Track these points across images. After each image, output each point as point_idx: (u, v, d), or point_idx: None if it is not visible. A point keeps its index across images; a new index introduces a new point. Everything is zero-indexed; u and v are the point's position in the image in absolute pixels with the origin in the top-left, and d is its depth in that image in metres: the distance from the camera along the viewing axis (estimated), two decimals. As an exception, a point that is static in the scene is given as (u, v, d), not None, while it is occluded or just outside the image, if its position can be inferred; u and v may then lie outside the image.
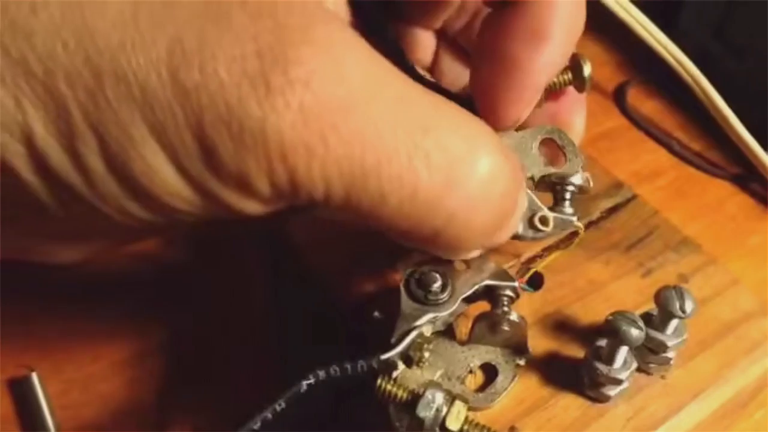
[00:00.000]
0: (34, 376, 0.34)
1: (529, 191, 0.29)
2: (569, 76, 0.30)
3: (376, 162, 0.21)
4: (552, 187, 0.31)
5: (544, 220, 0.29)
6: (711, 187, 0.47)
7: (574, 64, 0.30)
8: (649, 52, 0.48)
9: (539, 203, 0.29)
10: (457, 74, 0.34)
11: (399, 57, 0.32)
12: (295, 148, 0.20)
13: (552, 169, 0.30)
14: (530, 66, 0.27)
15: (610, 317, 0.27)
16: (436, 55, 0.35)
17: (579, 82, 0.30)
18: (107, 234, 0.25)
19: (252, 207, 0.22)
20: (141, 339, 0.37)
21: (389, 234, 0.24)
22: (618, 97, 0.51)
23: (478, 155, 0.23)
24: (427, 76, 0.32)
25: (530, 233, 0.29)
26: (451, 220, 0.23)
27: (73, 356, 0.36)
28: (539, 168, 0.30)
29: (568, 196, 0.30)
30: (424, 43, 0.34)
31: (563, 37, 0.27)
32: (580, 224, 0.30)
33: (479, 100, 0.28)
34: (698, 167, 0.48)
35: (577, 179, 0.31)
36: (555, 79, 0.30)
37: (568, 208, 0.30)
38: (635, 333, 0.26)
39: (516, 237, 0.29)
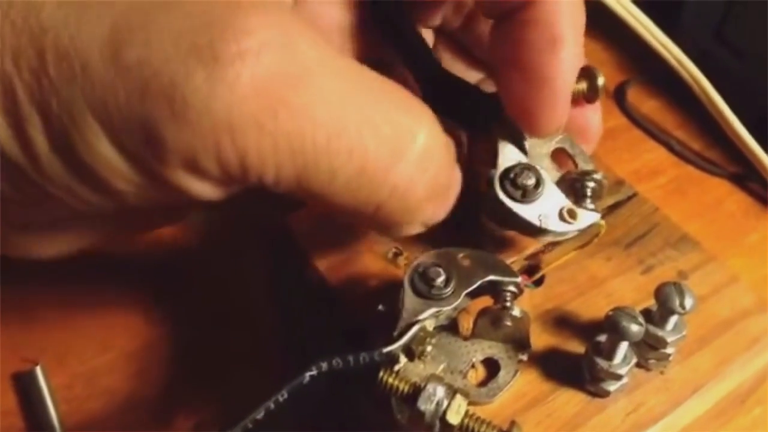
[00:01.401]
0: (38, 370, 0.35)
1: (555, 186, 0.30)
2: (584, 85, 0.31)
3: (326, 137, 0.21)
4: (572, 184, 0.31)
5: (572, 213, 0.29)
6: (710, 186, 0.47)
7: (589, 74, 0.31)
8: (649, 51, 0.49)
9: (564, 197, 0.30)
10: (458, 72, 0.35)
11: (426, 54, 0.32)
12: (244, 125, 0.20)
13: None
14: (555, 71, 0.28)
15: (611, 313, 0.27)
16: (436, 53, 0.35)
17: (593, 92, 0.31)
18: (73, 224, 0.25)
19: (203, 189, 0.22)
20: (145, 333, 0.37)
21: (332, 212, 0.24)
22: (618, 96, 0.51)
23: (419, 128, 0.23)
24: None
25: (560, 226, 0.29)
26: (393, 192, 0.23)
27: (77, 350, 0.37)
28: (553, 174, 0.31)
29: (588, 192, 0.31)
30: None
31: (575, 35, 0.28)
32: (602, 221, 0.30)
33: (518, 117, 0.29)
34: (697, 166, 0.48)
35: (597, 174, 0.31)
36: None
37: (589, 205, 0.31)
38: (635, 328, 0.26)
39: (542, 232, 0.29)
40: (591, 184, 0.31)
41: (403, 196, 0.23)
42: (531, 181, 0.29)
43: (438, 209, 0.26)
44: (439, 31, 0.35)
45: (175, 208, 0.26)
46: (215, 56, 0.19)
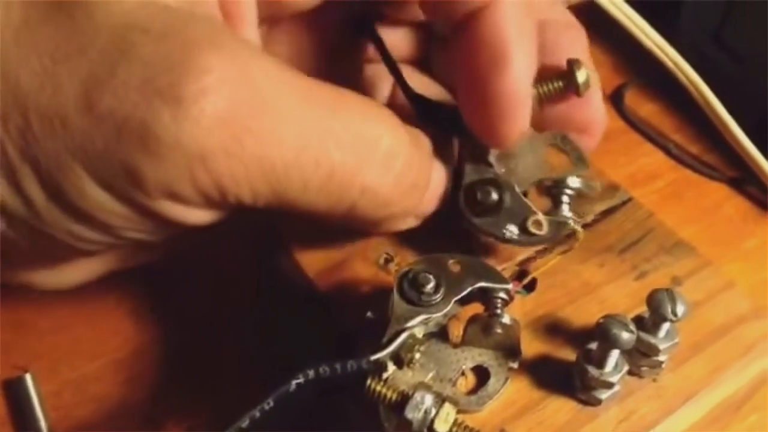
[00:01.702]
0: (28, 377, 0.35)
1: (522, 196, 0.30)
2: (560, 83, 0.30)
3: (293, 153, 0.23)
4: (549, 191, 0.31)
5: (537, 224, 0.30)
6: (708, 190, 0.47)
7: (567, 71, 0.30)
8: (647, 54, 0.48)
9: (533, 207, 0.30)
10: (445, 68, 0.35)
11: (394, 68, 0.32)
12: (214, 153, 0.22)
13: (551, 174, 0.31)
14: (505, 89, 0.28)
15: (601, 320, 0.27)
16: (427, 50, 0.35)
17: (573, 87, 0.30)
18: (80, 257, 0.27)
19: (192, 215, 0.24)
20: (134, 340, 0.37)
21: (310, 217, 0.26)
22: (615, 99, 0.51)
23: (379, 132, 0.25)
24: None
25: (524, 238, 0.30)
26: (364, 192, 0.25)
27: (67, 357, 0.36)
28: (544, 173, 0.30)
29: (565, 199, 0.31)
30: (413, 39, 0.34)
31: (522, 47, 0.28)
32: (576, 227, 0.30)
33: (477, 133, 0.29)
34: (695, 170, 0.47)
35: (573, 182, 0.31)
36: (545, 87, 0.30)
37: (565, 212, 0.31)
38: (626, 336, 0.26)
39: (510, 241, 0.30)
40: (568, 191, 0.31)
41: (374, 194, 0.26)
42: (493, 197, 0.30)
43: (417, 201, 0.28)
44: (428, 28, 0.35)
45: (178, 236, 0.27)
46: (178, 97, 0.21)
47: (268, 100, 0.23)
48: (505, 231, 0.30)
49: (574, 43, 0.32)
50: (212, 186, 0.23)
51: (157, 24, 0.22)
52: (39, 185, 0.22)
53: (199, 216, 0.24)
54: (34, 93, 0.21)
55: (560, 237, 0.31)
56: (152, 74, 0.21)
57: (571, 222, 0.30)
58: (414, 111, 0.32)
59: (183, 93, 0.21)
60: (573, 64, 0.30)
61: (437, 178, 0.29)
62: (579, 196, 0.32)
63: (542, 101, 0.30)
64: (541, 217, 0.30)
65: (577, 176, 0.31)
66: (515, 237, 0.30)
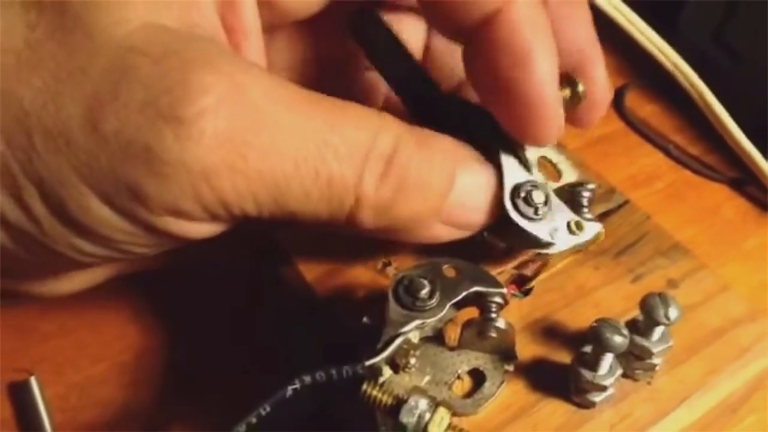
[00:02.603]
0: (33, 380, 0.35)
1: (559, 200, 0.30)
2: (567, 92, 0.30)
3: (293, 165, 0.24)
4: (569, 196, 0.31)
5: (579, 225, 0.30)
6: (708, 191, 0.47)
7: (570, 82, 0.30)
8: (648, 56, 0.49)
9: (569, 210, 0.30)
10: (449, 61, 0.35)
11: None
12: (216, 170, 0.23)
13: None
14: (534, 86, 0.27)
15: (594, 324, 0.27)
16: (427, 45, 0.35)
17: (576, 99, 0.30)
18: (79, 268, 0.28)
19: (195, 230, 0.25)
20: (138, 343, 0.37)
21: (316, 227, 0.27)
22: (616, 100, 0.51)
23: (379, 140, 0.26)
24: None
25: (571, 240, 0.30)
26: (361, 198, 0.26)
27: (72, 360, 0.37)
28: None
29: (585, 202, 0.31)
30: (414, 33, 0.35)
31: (543, 42, 0.27)
32: (602, 228, 0.31)
33: (516, 134, 0.29)
34: (695, 171, 0.48)
35: (590, 185, 0.31)
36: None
37: (587, 214, 0.31)
38: (618, 340, 0.26)
39: (547, 246, 0.29)
40: (586, 194, 0.31)
41: (375, 202, 0.26)
42: (541, 199, 0.29)
43: (430, 206, 0.27)
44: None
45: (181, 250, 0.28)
46: (179, 118, 0.22)
47: (266, 116, 0.24)
48: (551, 234, 0.29)
49: (578, 23, 0.32)
50: (216, 202, 0.24)
51: (156, 46, 0.23)
52: (42, 201, 0.23)
53: (202, 230, 0.25)
54: (37, 111, 0.22)
55: (592, 240, 0.30)
56: (153, 96, 0.22)
57: (599, 225, 0.30)
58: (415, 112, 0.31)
59: (184, 114, 0.22)
60: (571, 77, 0.30)
61: (469, 182, 0.28)
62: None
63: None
64: (579, 218, 0.30)
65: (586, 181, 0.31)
66: (560, 241, 0.29)
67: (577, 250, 0.32)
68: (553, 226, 0.29)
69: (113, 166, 0.22)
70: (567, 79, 0.30)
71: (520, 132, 0.29)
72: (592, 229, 0.30)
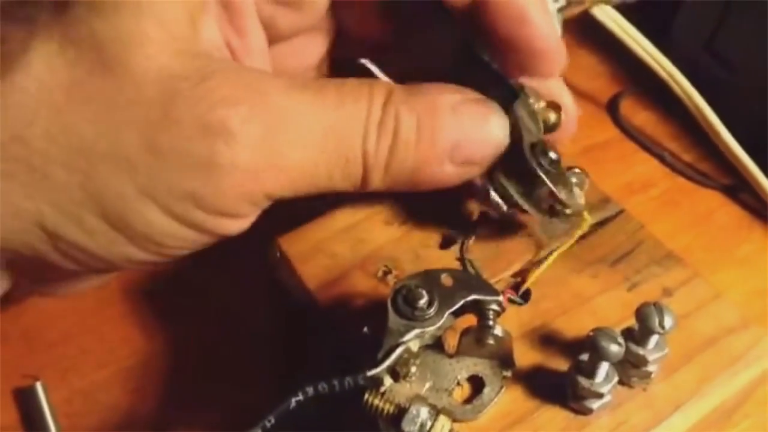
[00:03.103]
0: (38, 386, 0.36)
1: (548, 181, 0.31)
2: (553, 116, 0.32)
3: (320, 150, 0.27)
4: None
5: (581, 185, 0.33)
6: (702, 198, 0.48)
7: (555, 106, 0.32)
8: (642, 64, 0.49)
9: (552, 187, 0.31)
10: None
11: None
12: (262, 168, 0.26)
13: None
14: (537, 38, 0.31)
15: (591, 333, 0.27)
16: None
17: (558, 121, 0.32)
18: (108, 271, 0.30)
19: (238, 226, 0.28)
20: (143, 349, 0.38)
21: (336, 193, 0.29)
22: (611, 108, 0.52)
23: (373, 102, 0.28)
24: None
25: (579, 198, 0.32)
26: (366, 156, 0.29)
27: (77, 365, 0.37)
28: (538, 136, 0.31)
29: (575, 181, 0.33)
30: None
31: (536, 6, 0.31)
32: (586, 213, 0.33)
33: (527, 72, 0.32)
34: (689, 178, 0.48)
35: (577, 169, 0.33)
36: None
37: (577, 194, 0.33)
38: (614, 349, 0.27)
39: (564, 205, 0.31)
40: (574, 180, 0.33)
41: (377, 161, 0.29)
42: (556, 156, 0.31)
43: (430, 148, 0.29)
44: None
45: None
46: (228, 127, 0.25)
47: (289, 113, 0.27)
48: (559, 190, 0.31)
49: None
50: (262, 196, 0.27)
51: (191, 71, 0.26)
52: (101, 216, 0.25)
53: (243, 225, 0.28)
54: (94, 139, 0.24)
55: (578, 212, 0.32)
56: (200, 112, 0.25)
57: (582, 204, 0.33)
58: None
59: (230, 124, 0.25)
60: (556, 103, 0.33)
61: (469, 115, 0.30)
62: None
63: None
64: (560, 193, 0.31)
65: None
66: (570, 199, 0.31)
67: (564, 245, 0.34)
68: (558, 182, 0.31)
69: (172, 178, 0.25)
70: (553, 106, 0.32)
71: (532, 70, 0.32)
72: (576, 206, 0.32)
